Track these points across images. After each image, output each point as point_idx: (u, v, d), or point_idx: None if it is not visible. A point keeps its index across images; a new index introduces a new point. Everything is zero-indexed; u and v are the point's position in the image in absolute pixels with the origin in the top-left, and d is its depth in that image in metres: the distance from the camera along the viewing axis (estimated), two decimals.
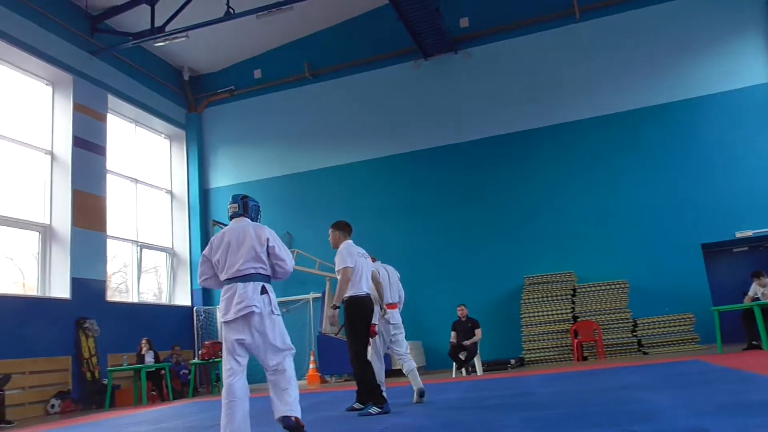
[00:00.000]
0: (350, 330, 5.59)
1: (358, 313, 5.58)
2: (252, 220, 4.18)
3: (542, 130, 12.87)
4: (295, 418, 3.78)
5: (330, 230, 5.90)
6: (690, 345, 10.84)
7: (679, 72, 12.29)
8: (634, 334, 11.21)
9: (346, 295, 5.56)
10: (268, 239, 3.98)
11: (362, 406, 5.73)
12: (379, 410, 5.30)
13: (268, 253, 3.98)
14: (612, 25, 12.77)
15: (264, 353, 3.86)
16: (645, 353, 10.99)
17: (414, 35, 12.88)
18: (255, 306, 3.81)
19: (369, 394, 5.47)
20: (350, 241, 5.81)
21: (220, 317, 3.99)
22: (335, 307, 5.52)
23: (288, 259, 4.06)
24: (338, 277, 5.60)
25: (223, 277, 3.97)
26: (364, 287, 5.64)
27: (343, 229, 5.88)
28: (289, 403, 3.80)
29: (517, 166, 12.90)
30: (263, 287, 3.90)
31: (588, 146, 12.53)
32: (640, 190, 12.07)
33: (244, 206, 4.19)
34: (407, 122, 13.80)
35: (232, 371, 3.81)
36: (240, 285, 3.86)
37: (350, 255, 5.60)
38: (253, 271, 3.91)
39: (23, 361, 9.79)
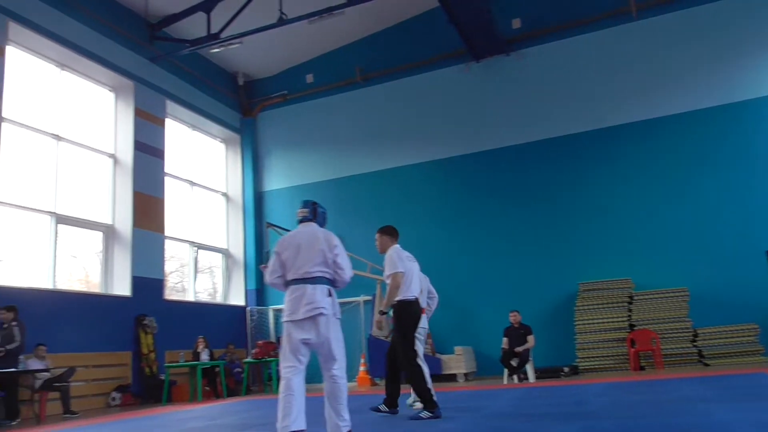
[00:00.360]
0: (399, 334, 5.61)
1: (408, 318, 5.61)
2: (319, 226, 4.33)
3: (598, 132, 12.56)
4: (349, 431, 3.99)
5: (377, 235, 5.94)
6: (754, 357, 10.35)
7: (743, 70, 11.75)
8: (695, 344, 10.79)
9: (395, 299, 5.57)
10: (335, 246, 4.15)
11: (388, 410, 5.74)
12: (431, 414, 5.28)
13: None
14: (672, 23, 12.34)
15: (327, 353, 4.01)
16: (706, 365, 10.56)
17: (465, 37, 12.78)
18: (324, 308, 3.98)
19: (421, 397, 5.46)
20: (398, 246, 5.84)
21: (284, 316, 4.12)
22: (383, 313, 5.60)
23: (347, 268, 4.21)
24: (388, 282, 5.62)
25: (289, 277, 4.09)
26: (414, 291, 5.68)
27: (391, 233, 5.90)
28: (346, 419, 3.98)
29: (571, 169, 12.62)
30: (329, 291, 4.08)
31: (646, 149, 12.15)
32: (702, 194, 11.62)
33: (314, 212, 4.34)
34: (458, 125, 13.71)
35: (294, 369, 3.95)
36: (309, 287, 4.01)
37: (400, 260, 5.64)
38: (320, 274, 4.06)
39: (87, 355, 10.22)
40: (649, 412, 4.81)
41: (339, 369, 4.02)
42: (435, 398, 5.44)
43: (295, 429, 3.77)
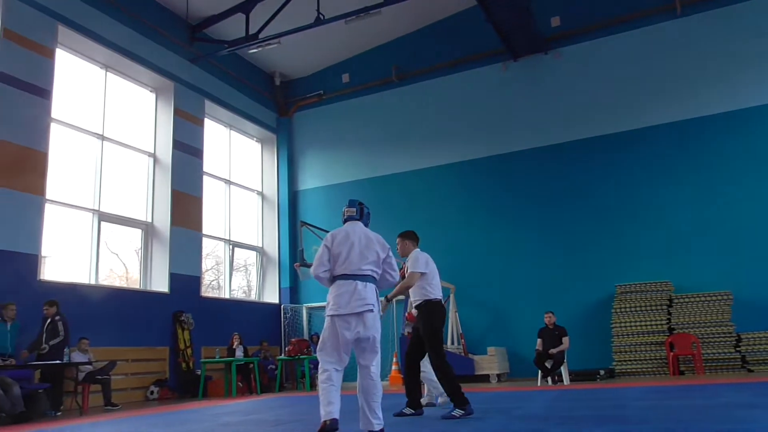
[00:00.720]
0: (430, 333, 5.66)
1: (436, 317, 5.72)
2: (364, 225, 4.49)
3: (638, 132, 12.30)
4: (381, 430, 4.04)
5: (398, 239, 6.02)
6: None
7: None
8: (738, 349, 10.49)
9: (423, 299, 5.72)
10: (389, 248, 4.38)
11: (413, 411, 5.79)
12: (463, 412, 5.28)
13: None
14: (718, 20, 12.00)
15: (370, 348, 4.13)
16: (750, 371, 10.25)
17: (503, 36, 12.67)
18: (373, 305, 4.12)
19: (452, 395, 5.45)
20: (419, 250, 5.93)
21: (329, 311, 4.17)
22: (388, 300, 5.69)
23: (397, 271, 4.42)
24: (406, 275, 5.76)
25: (338, 272, 4.19)
26: (438, 292, 5.81)
27: (412, 238, 6.01)
28: (379, 417, 4.06)
29: (610, 169, 12.40)
30: (376, 289, 4.24)
31: (688, 148, 11.86)
32: (746, 194, 11.27)
33: (361, 212, 4.54)
34: (495, 125, 13.60)
35: (336, 364, 4.09)
36: (360, 283, 4.13)
37: (426, 263, 5.77)
38: (370, 272, 4.21)
39: (126, 349, 10.48)
40: (689, 418, 4.69)
41: (376, 366, 4.13)
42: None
43: (337, 417, 3.91)
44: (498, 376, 11.48)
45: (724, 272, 11.06)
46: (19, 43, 9.53)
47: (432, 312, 5.70)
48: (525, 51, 13.30)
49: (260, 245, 15.26)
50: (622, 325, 11.28)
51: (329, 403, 3.91)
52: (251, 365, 11.66)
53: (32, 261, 9.20)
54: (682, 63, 12.17)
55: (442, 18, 14.44)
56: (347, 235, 4.28)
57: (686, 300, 11.09)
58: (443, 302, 5.91)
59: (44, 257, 9.74)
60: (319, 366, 4.12)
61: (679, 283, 11.33)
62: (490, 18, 12.00)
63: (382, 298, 5.54)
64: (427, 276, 5.74)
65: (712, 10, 12.05)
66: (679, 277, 11.35)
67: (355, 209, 4.52)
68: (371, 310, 4.08)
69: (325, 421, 3.87)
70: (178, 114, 12.56)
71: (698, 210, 11.56)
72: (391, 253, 4.34)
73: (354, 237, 4.26)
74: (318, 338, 13.78)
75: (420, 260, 5.74)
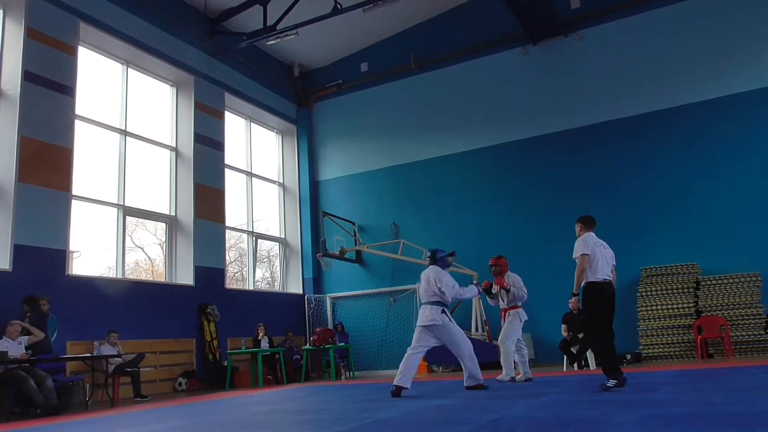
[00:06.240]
0: (587, 312, 6.26)
1: (593, 298, 6.09)
2: (440, 266, 6.95)
3: (661, 112, 12.08)
4: (479, 384, 6.78)
5: (576, 225, 6.57)
6: None
7: None
8: None
9: (584, 281, 6.10)
10: (438, 279, 6.77)
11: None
12: (615, 382, 5.90)
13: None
14: None
15: (447, 341, 6.80)
16: None
17: (522, 20, 12.51)
18: (436, 320, 6.73)
19: (606, 367, 6.06)
20: (591, 233, 6.36)
21: (418, 323, 6.93)
22: (574, 294, 6.25)
23: (447, 289, 6.79)
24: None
25: (422, 301, 6.94)
26: (600, 274, 6.12)
27: (585, 222, 6.49)
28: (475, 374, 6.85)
29: (633, 150, 12.20)
30: (443, 309, 6.79)
31: (713, 127, 11.61)
32: None
33: (433, 257, 7.06)
34: (515, 110, 13.45)
35: (418, 348, 6.84)
36: (428, 307, 6.83)
37: (586, 245, 6.14)
38: (435, 299, 6.82)
39: (154, 341, 10.64)
40: (720, 401, 4.62)
41: (457, 349, 6.76)
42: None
43: (405, 386, 6.50)
44: None
45: (753, 253, 10.84)
46: (42, 41, 9.66)
47: (589, 293, 6.09)
48: (544, 35, 13.12)
49: (282, 236, 15.34)
50: (648, 308, 11.15)
51: (406, 371, 6.57)
52: (277, 355, 11.77)
53: (60, 256, 9.37)
54: (706, 42, 11.88)
55: (460, 3, 14.28)
56: (423, 276, 6.94)
57: (714, 282, 10.91)
58: (604, 283, 6.12)
59: (72, 252, 9.91)
60: (410, 347, 6.81)
61: (706, 265, 11.15)
62: (509, 1, 11.84)
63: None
64: (587, 259, 6.07)
65: None
66: (706, 259, 11.17)
67: (429, 256, 7.12)
68: (435, 324, 6.69)
69: (395, 386, 6.48)
70: (199, 107, 12.64)
71: (725, 190, 11.33)
72: (440, 283, 6.73)
73: (425, 278, 6.89)
74: (342, 327, 13.96)
75: (581, 244, 6.13)
